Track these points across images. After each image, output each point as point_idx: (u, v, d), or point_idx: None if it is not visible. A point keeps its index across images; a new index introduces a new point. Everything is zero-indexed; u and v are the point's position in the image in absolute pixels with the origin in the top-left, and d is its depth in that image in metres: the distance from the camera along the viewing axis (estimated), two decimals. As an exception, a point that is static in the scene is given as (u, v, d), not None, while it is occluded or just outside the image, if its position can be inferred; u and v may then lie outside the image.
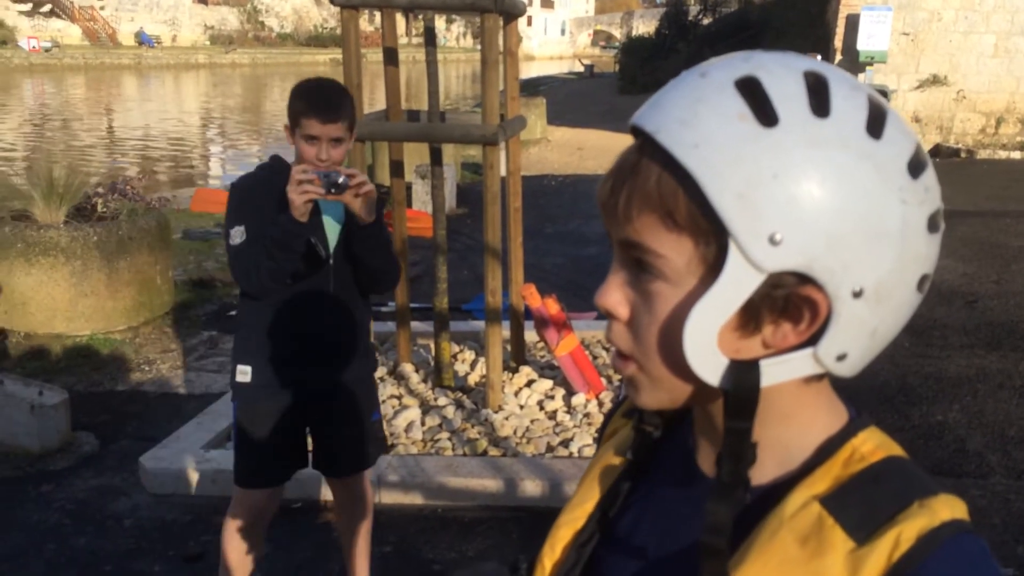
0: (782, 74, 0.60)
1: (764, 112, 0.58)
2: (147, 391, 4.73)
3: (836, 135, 0.59)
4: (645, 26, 46.24)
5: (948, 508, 0.61)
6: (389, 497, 3.48)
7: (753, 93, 0.59)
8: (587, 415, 4.03)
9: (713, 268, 0.60)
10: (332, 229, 2.43)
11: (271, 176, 2.42)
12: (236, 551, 2.59)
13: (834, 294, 0.60)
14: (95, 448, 4.00)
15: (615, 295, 0.66)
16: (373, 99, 15.07)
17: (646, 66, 24.93)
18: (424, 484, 3.50)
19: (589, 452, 3.69)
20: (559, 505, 3.36)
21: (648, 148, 0.62)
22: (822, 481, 0.64)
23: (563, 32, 74.84)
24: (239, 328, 2.55)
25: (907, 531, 0.59)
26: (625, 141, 0.66)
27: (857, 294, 0.60)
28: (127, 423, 4.29)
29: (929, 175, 0.62)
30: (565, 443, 3.78)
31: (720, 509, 0.62)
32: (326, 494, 3.39)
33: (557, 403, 4.14)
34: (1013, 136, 12.64)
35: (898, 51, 12.24)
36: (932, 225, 0.62)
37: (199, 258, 7.50)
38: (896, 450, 0.66)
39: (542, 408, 4.13)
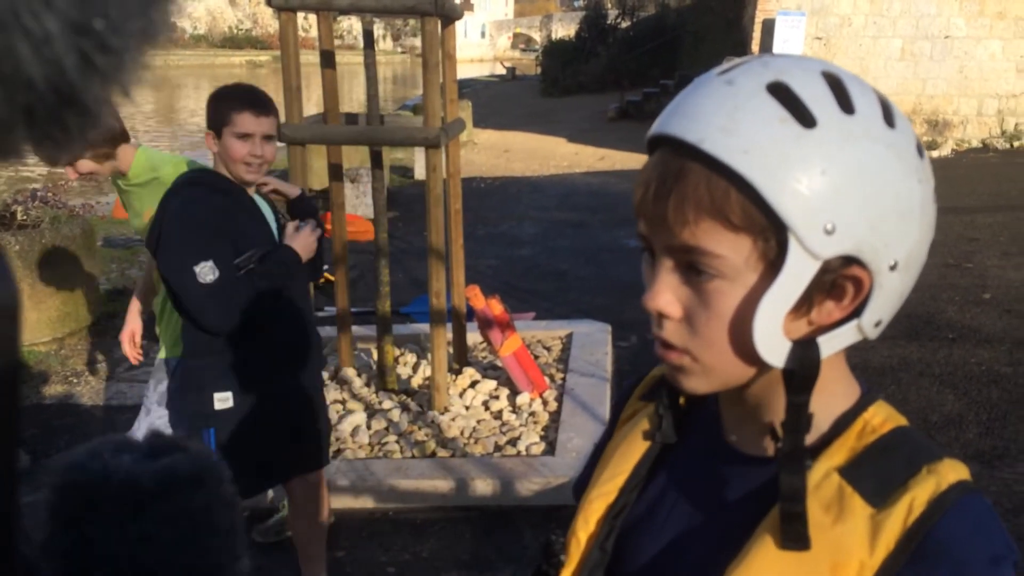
0: (805, 77, 0.65)
1: (801, 114, 0.63)
2: (77, 404, 4.58)
3: (864, 129, 0.64)
4: (564, 29, 46.65)
5: (953, 471, 0.67)
6: (339, 502, 3.45)
7: (786, 97, 0.64)
8: (532, 414, 4.07)
9: (773, 262, 0.65)
10: (272, 225, 2.48)
11: (220, 199, 2.33)
12: None
13: (876, 269, 0.66)
14: (26, 463, 3.86)
15: (665, 296, 0.69)
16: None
17: (567, 69, 25.16)
18: (374, 487, 3.49)
19: (536, 450, 3.74)
20: (511, 503, 3.43)
21: (689, 156, 0.65)
22: (839, 453, 0.69)
23: (483, 35, 74.98)
24: (200, 357, 2.41)
25: (919, 495, 0.65)
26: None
27: (893, 267, 0.66)
28: (58, 437, 4.16)
29: (927, 155, 0.69)
30: (512, 442, 3.81)
31: (793, 479, 0.67)
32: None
33: (502, 403, 4.18)
34: (920, 136, 13.17)
35: (811, 55, 12.65)
36: (935, 197, 0.70)
37: (122, 266, 7.30)
38: (902, 421, 0.72)
39: (487, 408, 4.15)
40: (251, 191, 2.42)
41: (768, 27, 12.26)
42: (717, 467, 0.78)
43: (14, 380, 0.23)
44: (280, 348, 2.45)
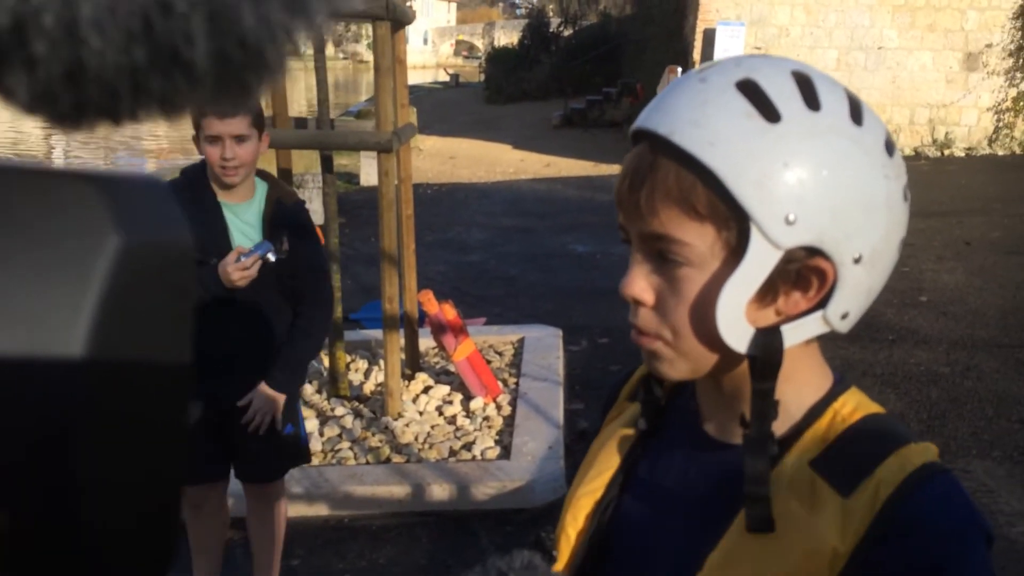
0: (774, 75, 0.68)
1: (767, 109, 0.66)
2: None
3: (829, 125, 0.67)
4: (507, 37, 46.85)
5: (920, 454, 0.70)
6: (294, 510, 3.40)
7: (754, 93, 0.66)
8: (486, 418, 4.08)
9: (736, 250, 0.67)
10: (242, 242, 2.40)
11: (184, 192, 2.33)
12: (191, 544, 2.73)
13: (839, 261, 0.68)
14: None
15: (639, 284, 0.72)
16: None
17: (511, 76, 25.28)
18: (329, 494, 3.46)
19: (492, 454, 3.74)
20: (467, 508, 3.42)
21: (662, 148, 0.67)
22: (811, 444, 0.71)
23: (425, 42, 74.85)
24: None
25: (886, 480, 0.67)
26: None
27: (857, 260, 0.69)
28: None
29: (898, 153, 0.72)
30: (467, 446, 3.81)
31: (757, 463, 0.69)
32: (238, 509, 3.30)
33: (456, 408, 4.17)
34: (855, 144, 13.60)
35: (751, 64, 12.91)
36: (905, 195, 0.72)
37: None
38: (873, 408, 0.75)
39: (441, 413, 4.15)
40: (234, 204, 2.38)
41: (709, 37, 12.50)
42: (695, 456, 0.79)
43: (188, 337, 0.24)
44: (206, 354, 2.39)
